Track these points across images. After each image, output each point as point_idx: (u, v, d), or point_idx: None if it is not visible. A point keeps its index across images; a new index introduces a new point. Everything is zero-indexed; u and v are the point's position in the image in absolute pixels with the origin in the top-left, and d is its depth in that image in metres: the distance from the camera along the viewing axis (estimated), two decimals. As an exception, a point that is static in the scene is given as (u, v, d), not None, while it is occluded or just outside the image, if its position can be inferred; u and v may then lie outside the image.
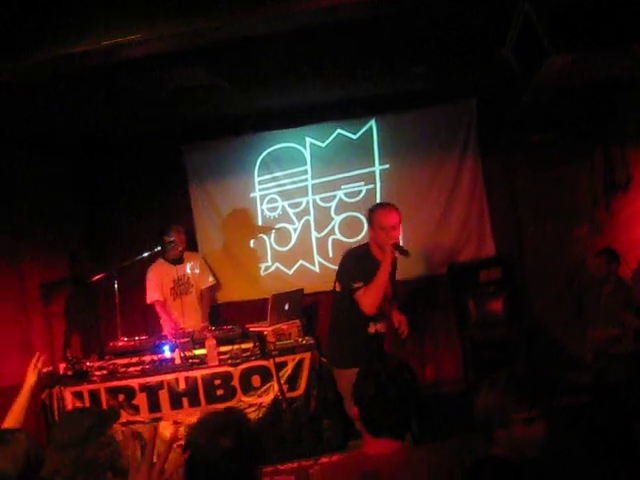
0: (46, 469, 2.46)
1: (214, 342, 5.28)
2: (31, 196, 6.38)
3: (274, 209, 7.17)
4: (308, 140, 7.07)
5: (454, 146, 6.86)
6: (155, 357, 5.44)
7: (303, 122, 7.03)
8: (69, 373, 5.36)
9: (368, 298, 4.34)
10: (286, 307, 5.67)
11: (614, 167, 6.60)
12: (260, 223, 7.20)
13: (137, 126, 6.55)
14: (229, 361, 5.28)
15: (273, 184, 7.15)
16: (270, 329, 5.46)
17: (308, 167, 7.10)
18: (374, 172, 7.02)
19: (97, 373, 5.32)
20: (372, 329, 4.51)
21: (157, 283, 6.26)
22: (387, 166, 7.00)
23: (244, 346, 5.39)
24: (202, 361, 5.31)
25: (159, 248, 6.19)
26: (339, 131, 7.02)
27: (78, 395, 5.23)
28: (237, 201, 7.20)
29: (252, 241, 7.21)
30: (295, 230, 7.16)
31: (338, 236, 7.03)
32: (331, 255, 7.03)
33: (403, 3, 3.82)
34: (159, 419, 5.20)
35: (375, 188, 6.98)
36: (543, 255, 6.81)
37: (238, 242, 7.24)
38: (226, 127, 7.00)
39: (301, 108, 6.77)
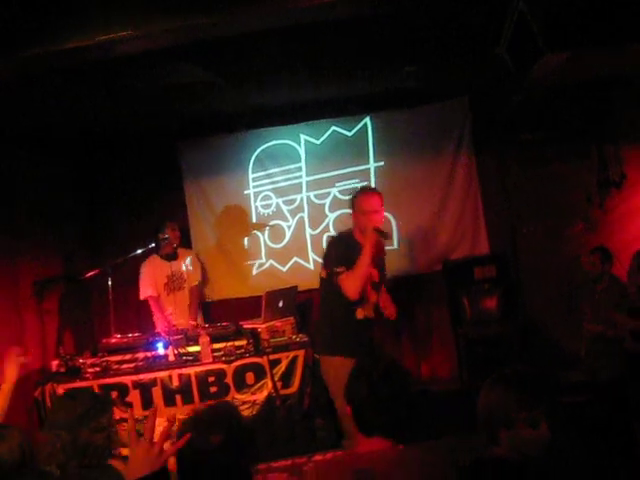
0: (40, 453, 2.46)
1: (208, 339, 5.26)
2: (30, 195, 6.36)
3: (268, 206, 7.16)
4: (303, 137, 7.06)
5: (448, 144, 6.87)
6: (148, 354, 5.43)
7: (298, 119, 7.03)
8: (62, 370, 5.35)
9: (350, 282, 4.37)
10: (280, 304, 5.66)
11: (608, 165, 6.62)
12: (254, 220, 7.19)
13: (134, 122, 6.53)
14: (223, 358, 5.26)
15: (267, 181, 7.14)
16: (264, 326, 5.45)
17: (303, 164, 7.09)
18: (369, 169, 7.02)
19: (90, 370, 5.30)
20: (360, 315, 4.54)
21: (151, 279, 6.25)
22: (382, 163, 7.00)
23: (238, 343, 5.37)
24: (195, 358, 5.29)
25: (153, 245, 6.18)
26: (334, 128, 7.02)
27: (71, 392, 5.21)
28: (231, 198, 7.19)
29: (246, 238, 7.20)
30: (289, 227, 7.16)
31: (332, 233, 7.01)
32: (325, 252, 7.01)
33: (398, 1, 3.81)
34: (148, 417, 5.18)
35: (370, 185, 6.95)
36: (537, 252, 6.83)
37: (232, 239, 7.23)
38: (221, 124, 6.99)
39: (296, 105, 6.76)
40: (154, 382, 5.21)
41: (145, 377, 5.23)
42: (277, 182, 7.13)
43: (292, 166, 7.11)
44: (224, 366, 5.22)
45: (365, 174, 7.00)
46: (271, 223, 7.16)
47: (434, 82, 6.41)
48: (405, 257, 6.93)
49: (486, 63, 5.27)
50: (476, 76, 6.28)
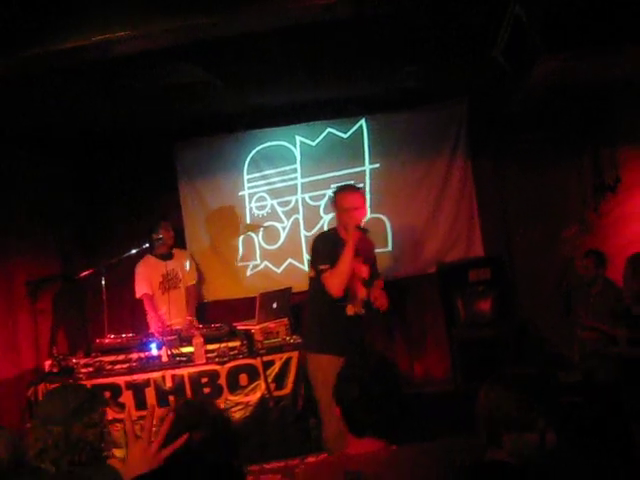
0: (32, 448, 2.44)
1: (201, 340, 5.25)
2: (29, 195, 6.37)
3: (263, 207, 7.15)
4: (298, 138, 7.06)
5: (444, 146, 6.87)
6: (142, 354, 5.40)
7: (294, 120, 7.02)
8: (55, 370, 5.33)
9: (333, 279, 4.38)
10: (274, 306, 5.65)
11: (603, 168, 6.62)
12: (248, 221, 7.18)
13: (133, 121, 6.54)
14: (216, 359, 5.25)
15: (262, 182, 7.13)
16: (258, 327, 5.44)
17: (298, 165, 7.08)
18: (364, 171, 7.02)
19: (83, 370, 5.28)
20: (351, 311, 4.53)
21: (146, 277, 6.26)
22: (377, 165, 7.00)
23: (231, 344, 5.36)
24: (189, 359, 5.28)
25: (147, 245, 6.18)
26: (329, 130, 7.01)
27: (63, 392, 5.18)
28: (226, 199, 7.18)
29: (240, 239, 7.19)
30: (284, 229, 7.15)
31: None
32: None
33: (397, 3, 3.81)
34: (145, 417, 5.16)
35: (365, 187, 6.94)
36: (532, 255, 6.82)
37: (226, 240, 7.22)
38: (216, 124, 6.97)
39: (292, 106, 6.75)
40: (147, 383, 5.20)
41: (138, 378, 5.21)
42: (272, 183, 7.12)
43: (287, 167, 7.10)
44: (217, 367, 5.20)
45: (360, 176, 6.99)
46: (265, 224, 7.14)
47: (431, 84, 6.41)
48: (399, 259, 6.93)
49: (483, 65, 5.29)
50: (473, 79, 6.29)
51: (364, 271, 4.59)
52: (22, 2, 3.61)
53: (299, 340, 5.39)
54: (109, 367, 5.33)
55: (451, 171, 6.87)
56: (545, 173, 6.78)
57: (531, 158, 6.80)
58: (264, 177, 7.12)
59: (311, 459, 4.81)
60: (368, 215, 6.87)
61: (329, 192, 6.99)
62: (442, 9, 4.28)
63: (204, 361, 5.22)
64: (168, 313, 6.15)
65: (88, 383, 5.13)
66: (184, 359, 5.31)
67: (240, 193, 7.16)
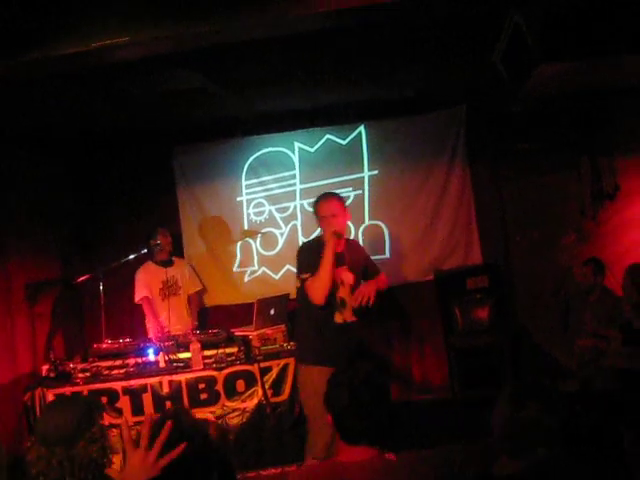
0: (33, 467, 2.43)
1: (199, 346, 5.25)
2: (29, 195, 6.37)
3: (261, 213, 7.14)
4: (297, 145, 7.05)
5: (442, 153, 6.86)
6: (139, 360, 5.40)
7: (292, 127, 7.03)
8: (52, 375, 5.33)
9: (314, 287, 4.39)
10: (272, 312, 5.64)
11: (602, 176, 6.61)
12: (246, 227, 7.17)
13: (132, 125, 6.57)
14: (213, 365, 5.24)
15: (260, 188, 7.12)
16: (255, 334, 5.43)
17: (296, 172, 7.07)
18: (363, 178, 7.01)
19: (80, 375, 5.27)
20: (339, 319, 4.51)
21: (146, 284, 6.27)
22: (376, 172, 6.99)
23: (229, 350, 5.36)
24: (186, 365, 5.27)
25: (145, 251, 6.18)
26: (328, 136, 7.01)
27: (60, 397, 5.17)
28: (224, 205, 7.16)
29: (238, 245, 7.18)
30: (282, 235, 7.14)
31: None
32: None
33: (396, 10, 3.82)
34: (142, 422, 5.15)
35: (363, 194, 6.96)
36: (530, 263, 6.81)
37: (224, 246, 7.20)
38: (215, 130, 6.98)
39: (291, 113, 6.77)
40: (144, 388, 5.19)
41: (135, 383, 5.20)
42: (270, 190, 7.11)
43: (286, 174, 7.09)
44: (215, 373, 5.20)
45: (359, 183, 6.99)
46: (263, 230, 7.14)
47: (429, 91, 6.43)
48: (397, 266, 6.92)
49: (481, 73, 5.30)
50: (471, 86, 6.30)
51: (350, 278, 4.55)
52: (22, 8, 3.62)
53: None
54: (106, 372, 5.31)
55: (449, 178, 6.87)
56: (543, 180, 6.77)
57: (529, 165, 6.79)
58: (262, 183, 7.11)
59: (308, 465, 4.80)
60: (366, 222, 6.92)
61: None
62: (441, 17, 4.29)
63: (201, 367, 5.22)
64: (168, 320, 6.15)
65: (85, 388, 5.16)
66: (181, 365, 5.30)
67: (238, 199, 7.15)
